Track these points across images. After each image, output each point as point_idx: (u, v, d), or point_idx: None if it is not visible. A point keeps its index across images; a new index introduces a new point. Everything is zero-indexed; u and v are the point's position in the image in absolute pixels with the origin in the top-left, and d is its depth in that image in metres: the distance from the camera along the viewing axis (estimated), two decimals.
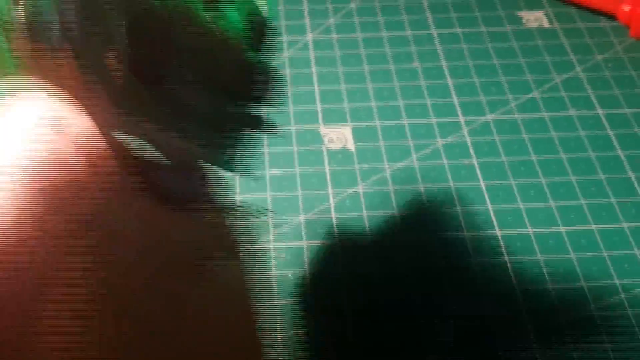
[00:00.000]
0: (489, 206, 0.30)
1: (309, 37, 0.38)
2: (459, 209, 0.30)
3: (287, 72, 0.36)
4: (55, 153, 0.14)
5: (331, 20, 0.39)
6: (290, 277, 0.28)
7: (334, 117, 0.34)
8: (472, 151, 0.32)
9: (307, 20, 0.39)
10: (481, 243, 0.29)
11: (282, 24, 0.39)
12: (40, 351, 0.13)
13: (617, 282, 0.28)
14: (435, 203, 0.30)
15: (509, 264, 0.28)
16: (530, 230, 0.29)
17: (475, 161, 0.32)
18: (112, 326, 0.14)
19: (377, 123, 0.33)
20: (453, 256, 0.28)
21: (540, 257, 0.28)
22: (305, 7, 0.40)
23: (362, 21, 0.39)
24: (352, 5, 0.40)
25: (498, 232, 0.29)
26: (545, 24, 0.39)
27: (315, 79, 0.36)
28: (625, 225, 0.29)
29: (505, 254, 0.29)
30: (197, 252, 0.17)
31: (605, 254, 0.28)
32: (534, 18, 0.40)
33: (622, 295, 0.27)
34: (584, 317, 0.27)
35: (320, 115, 0.34)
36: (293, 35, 0.38)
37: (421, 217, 0.30)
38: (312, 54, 0.37)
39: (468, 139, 0.33)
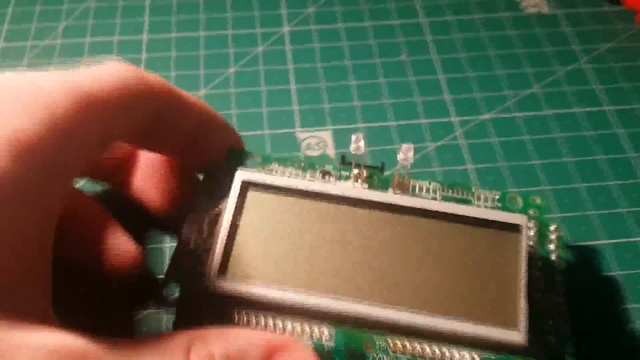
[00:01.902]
0: None
1: (286, 29, 0.34)
2: None
3: (261, 68, 0.32)
4: None
5: (310, 10, 0.35)
6: None
7: (312, 120, 0.30)
8: (467, 155, 0.29)
9: (283, 11, 0.35)
10: None
11: (255, 14, 0.35)
12: None
13: None
14: None
15: None
16: None
17: (470, 167, 0.28)
18: None
19: (361, 125, 0.30)
20: None
21: None
22: None
23: (343, 10, 0.35)
24: None
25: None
26: (545, 10, 0.36)
27: (291, 76, 0.32)
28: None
29: None
30: None
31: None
32: (532, 3, 0.36)
33: None
34: None
35: (297, 118, 0.30)
36: (267, 28, 0.34)
37: None
38: (288, 47, 0.33)
39: (462, 142, 0.29)
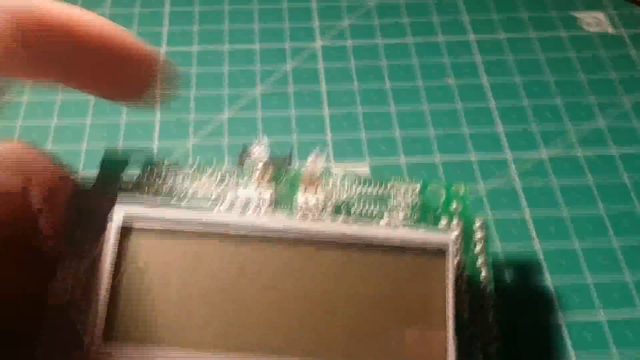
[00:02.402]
0: (549, 280, 0.23)
1: (318, 44, 0.31)
2: (507, 277, 0.23)
3: (290, 89, 0.29)
4: None
5: (345, 22, 0.32)
6: None
7: (346, 151, 0.27)
8: (523, 201, 0.25)
9: (315, 23, 0.32)
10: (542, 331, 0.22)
11: (285, 26, 0.31)
12: None
13: None
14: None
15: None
16: (600, 314, 0.23)
17: (527, 215, 0.25)
18: None
19: (402, 160, 0.27)
20: None
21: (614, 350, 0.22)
22: (314, 5, 0.32)
23: (383, 23, 0.32)
24: (371, 3, 0.32)
25: (561, 319, 0.22)
26: (609, 29, 0.32)
27: (324, 98, 0.29)
28: None
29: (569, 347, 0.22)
30: None
31: None
32: (593, 20, 0.32)
33: None
34: None
35: (330, 148, 0.27)
36: (298, 42, 0.31)
37: None
38: (320, 65, 0.30)
39: (518, 184, 0.26)
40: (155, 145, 0.27)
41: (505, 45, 0.31)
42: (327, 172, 0.19)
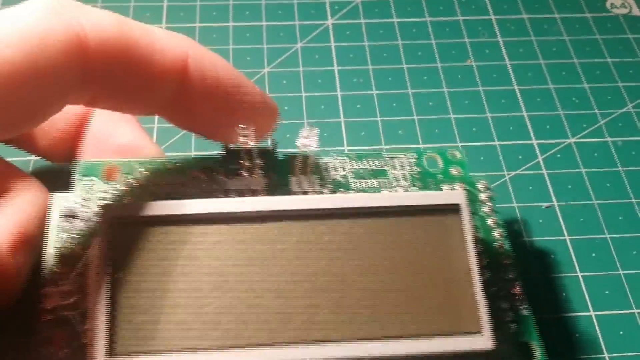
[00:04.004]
0: (578, 273, 0.22)
1: (330, 22, 0.29)
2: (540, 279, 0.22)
3: (300, 69, 0.27)
4: None
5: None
6: None
7: (362, 136, 0.25)
8: (551, 189, 0.24)
9: None
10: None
11: (293, 2, 0.30)
12: None
13: None
14: None
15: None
16: (635, 311, 0.21)
17: (556, 204, 0.23)
18: None
19: (420, 146, 0.25)
20: None
21: None
22: None
23: (399, 1, 0.30)
24: None
25: (592, 313, 0.21)
26: (636, 11, 0.30)
27: (337, 80, 0.27)
28: None
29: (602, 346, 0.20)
30: None
31: None
32: (620, 2, 0.31)
33: None
34: None
35: (344, 132, 0.25)
36: (307, 20, 0.29)
37: None
38: (332, 44, 0.28)
39: (545, 172, 0.24)
40: None
41: (528, 25, 0.29)
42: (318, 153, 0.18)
